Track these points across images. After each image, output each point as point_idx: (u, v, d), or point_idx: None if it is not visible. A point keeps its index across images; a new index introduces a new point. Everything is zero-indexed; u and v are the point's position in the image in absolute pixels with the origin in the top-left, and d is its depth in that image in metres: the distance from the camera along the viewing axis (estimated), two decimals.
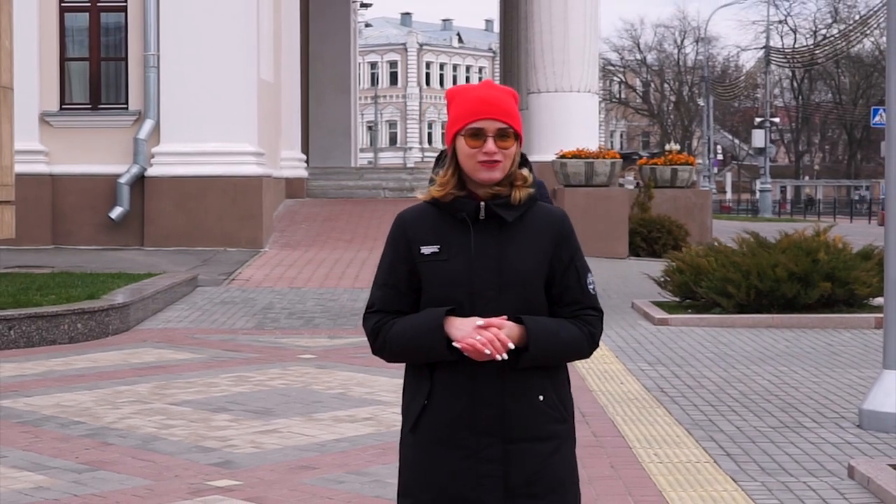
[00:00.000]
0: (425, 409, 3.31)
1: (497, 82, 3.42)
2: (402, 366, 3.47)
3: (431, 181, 3.34)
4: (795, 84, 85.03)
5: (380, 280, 3.39)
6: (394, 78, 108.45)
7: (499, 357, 3.20)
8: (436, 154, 3.56)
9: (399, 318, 3.35)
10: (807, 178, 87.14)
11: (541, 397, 3.30)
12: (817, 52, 77.30)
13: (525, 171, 3.32)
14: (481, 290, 3.26)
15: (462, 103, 3.30)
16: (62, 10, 20.76)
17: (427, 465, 3.31)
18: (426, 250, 3.30)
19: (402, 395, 3.46)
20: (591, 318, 3.36)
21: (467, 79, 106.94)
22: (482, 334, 3.19)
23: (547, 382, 3.33)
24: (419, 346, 3.28)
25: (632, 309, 15.04)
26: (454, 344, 3.22)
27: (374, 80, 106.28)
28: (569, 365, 3.45)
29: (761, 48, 74.46)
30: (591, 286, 3.38)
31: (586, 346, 3.36)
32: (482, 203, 3.29)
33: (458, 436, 3.28)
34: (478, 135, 3.25)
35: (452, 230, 3.30)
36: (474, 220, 3.29)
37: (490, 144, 3.25)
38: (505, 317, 3.24)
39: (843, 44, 75.18)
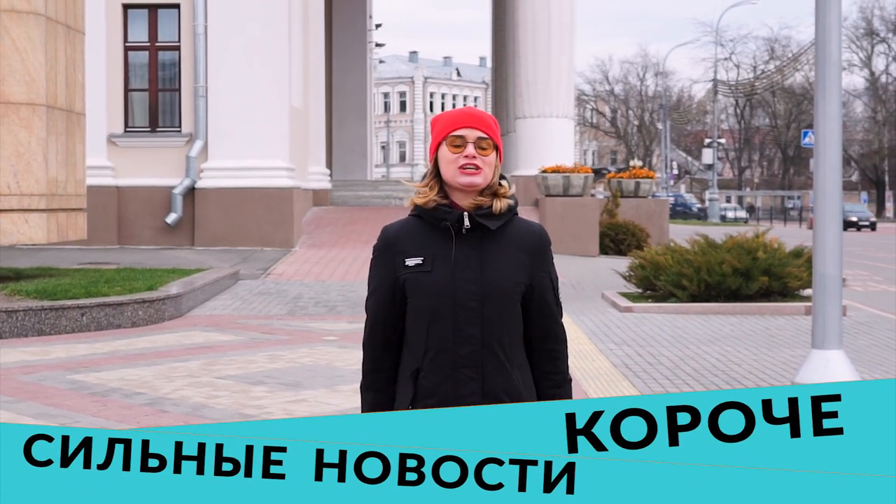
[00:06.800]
0: None
1: (489, 109, 3.13)
2: None
3: (418, 193, 2.94)
4: (738, 110, 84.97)
5: (371, 286, 2.98)
6: (403, 106, 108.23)
7: None
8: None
9: (380, 387, 2.97)
10: (748, 189, 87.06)
11: None
12: (757, 84, 77.30)
13: (505, 183, 2.93)
14: (464, 301, 2.83)
15: (445, 120, 2.95)
16: (126, 49, 20.76)
17: None
18: (410, 262, 2.87)
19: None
20: (559, 331, 2.98)
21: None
22: None
23: (522, 386, 2.92)
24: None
25: (602, 299, 15.02)
26: None
27: (386, 107, 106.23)
28: None
29: (710, 81, 74.37)
30: (558, 297, 3.01)
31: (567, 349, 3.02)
32: (465, 213, 2.86)
33: None
34: (459, 143, 2.87)
35: (436, 241, 2.87)
36: (457, 230, 2.85)
37: (470, 149, 2.85)
38: None
39: (779, 77, 75.21)
